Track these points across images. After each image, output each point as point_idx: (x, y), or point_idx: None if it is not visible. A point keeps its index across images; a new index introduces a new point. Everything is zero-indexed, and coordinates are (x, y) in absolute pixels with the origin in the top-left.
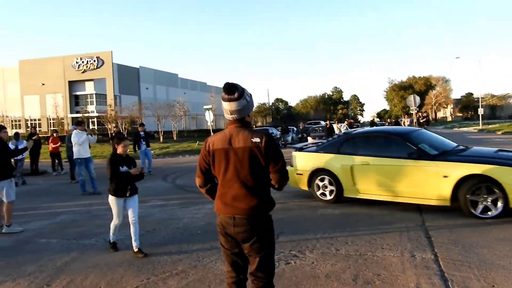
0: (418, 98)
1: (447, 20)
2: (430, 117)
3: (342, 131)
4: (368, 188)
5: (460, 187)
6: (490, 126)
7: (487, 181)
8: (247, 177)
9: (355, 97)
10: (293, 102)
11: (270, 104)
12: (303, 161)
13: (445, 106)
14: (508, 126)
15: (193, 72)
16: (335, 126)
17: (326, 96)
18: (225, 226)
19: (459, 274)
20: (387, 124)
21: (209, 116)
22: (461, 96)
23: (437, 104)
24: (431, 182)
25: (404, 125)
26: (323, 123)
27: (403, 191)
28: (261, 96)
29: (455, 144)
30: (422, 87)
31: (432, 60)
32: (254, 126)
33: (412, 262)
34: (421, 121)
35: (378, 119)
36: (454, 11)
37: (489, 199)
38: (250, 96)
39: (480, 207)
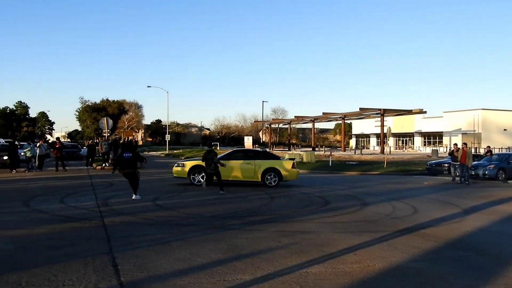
0: (111, 121)
1: (141, 47)
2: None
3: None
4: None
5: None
6: (175, 151)
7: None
8: None
9: (43, 115)
10: None
11: None
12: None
13: (137, 130)
14: (189, 151)
15: None
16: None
17: (8, 111)
18: None
19: None
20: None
21: None
22: (151, 122)
23: (129, 128)
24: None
25: (101, 147)
26: (2, 140)
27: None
28: None
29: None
30: (116, 111)
31: (126, 85)
32: None
33: None
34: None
35: (69, 140)
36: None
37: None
38: None
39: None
